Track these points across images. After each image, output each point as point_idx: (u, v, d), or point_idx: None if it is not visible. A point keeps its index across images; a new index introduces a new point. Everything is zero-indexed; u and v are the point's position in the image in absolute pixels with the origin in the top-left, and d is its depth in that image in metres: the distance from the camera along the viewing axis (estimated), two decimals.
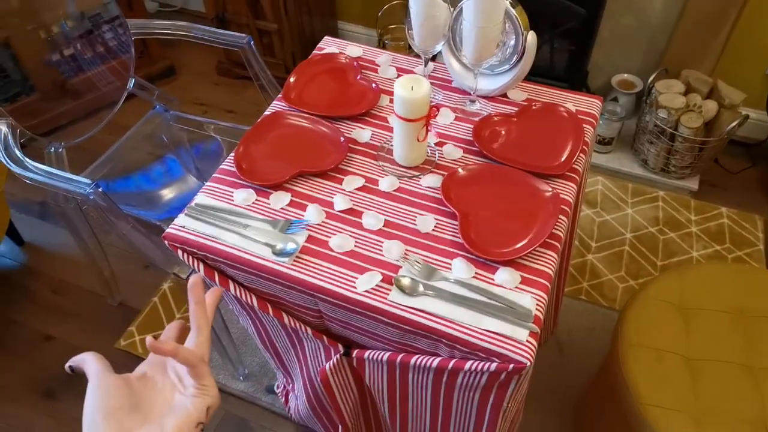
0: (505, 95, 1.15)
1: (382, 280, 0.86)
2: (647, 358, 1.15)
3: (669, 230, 1.97)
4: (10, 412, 1.64)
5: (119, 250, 1.95)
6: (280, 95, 1.15)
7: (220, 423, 1.59)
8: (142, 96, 1.64)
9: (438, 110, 1.12)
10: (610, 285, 1.83)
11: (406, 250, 0.90)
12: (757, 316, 1.20)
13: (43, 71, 1.49)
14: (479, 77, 1.10)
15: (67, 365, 0.57)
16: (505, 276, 0.86)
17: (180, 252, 0.96)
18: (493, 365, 0.79)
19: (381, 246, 0.91)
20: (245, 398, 1.63)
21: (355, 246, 0.91)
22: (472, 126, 1.08)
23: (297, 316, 0.99)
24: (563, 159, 1.01)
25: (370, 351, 0.95)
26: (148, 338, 0.52)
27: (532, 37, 1.04)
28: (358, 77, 1.18)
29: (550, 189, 0.95)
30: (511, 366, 0.78)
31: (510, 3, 1.01)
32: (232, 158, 1.03)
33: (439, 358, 0.85)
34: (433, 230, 0.93)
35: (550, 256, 0.89)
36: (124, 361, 1.70)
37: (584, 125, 1.06)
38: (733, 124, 1.85)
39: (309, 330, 0.99)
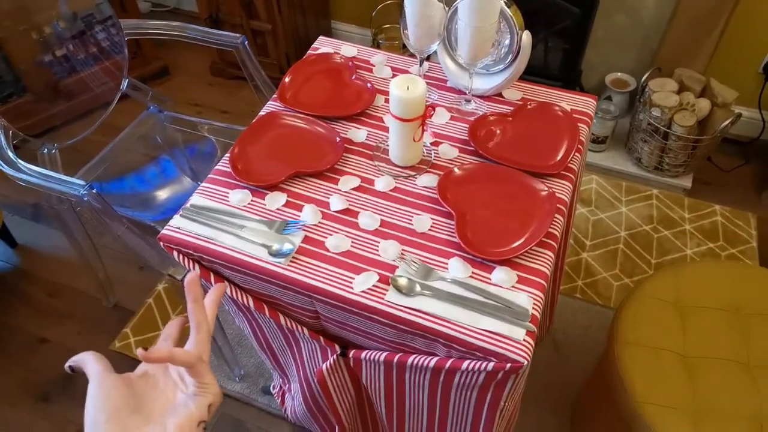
0: (500, 95, 1.15)
1: (378, 281, 0.86)
2: (643, 356, 1.15)
3: (663, 228, 1.98)
4: (5, 416, 1.63)
5: (114, 252, 1.94)
6: (274, 95, 1.15)
7: (216, 424, 1.59)
8: (135, 97, 1.63)
9: (434, 110, 1.12)
10: (605, 283, 1.84)
11: (403, 250, 0.90)
12: (752, 313, 1.21)
13: (36, 72, 1.48)
14: (474, 77, 1.10)
15: (66, 365, 0.56)
16: (502, 275, 0.86)
17: (175, 253, 0.95)
18: (491, 364, 0.79)
19: (377, 246, 0.91)
20: (241, 399, 1.63)
21: (352, 246, 0.91)
22: (467, 125, 1.08)
23: (293, 317, 0.99)
24: (559, 158, 1.01)
25: (366, 351, 0.94)
26: (139, 350, 0.51)
27: (527, 36, 1.04)
28: (354, 77, 1.18)
29: (546, 188, 0.96)
30: (509, 365, 0.78)
31: (505, 2, 1.01)
32: (228, 159, 1.03)
33: (436, 358, 0.85)
34: (430, 230, 0.93)
35: (547, 255, 0.89)
36: (119, 363, 1.69)
37: (579, 124, 1.07)
38: (726, 122, 1.86)
39: (305, 330, 0.99)
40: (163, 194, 1.58)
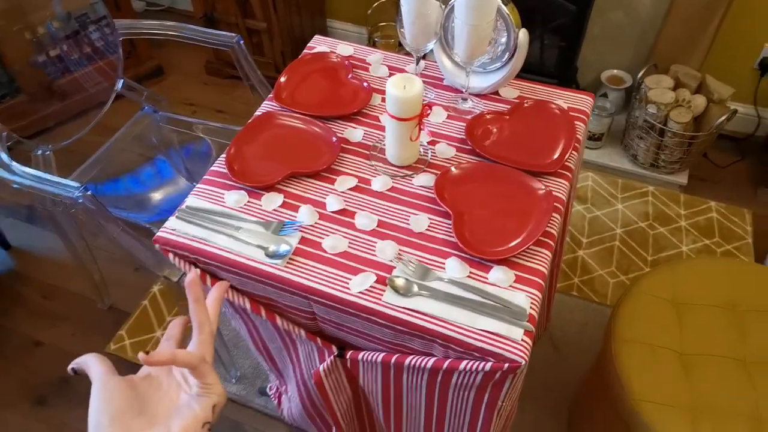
0: (497, 93, 1.14)
1: (376, 281, 0.85)
2: (640, 354, 1.15)
3: (659, 225, 1.98)
4: (1, 420, 1.62)
5: (108, 254, 1.93)
6: (270, 95, 1.14)
7: (213, 425, 1.58)
8: (130, 97, 1.62)
9: (430, 109, 1.11)
10: (602, 280, 1.84)
11: (400, 250, 0.90)
12: (749, 310, 1.21)
13: (29, 72, 1.47)
14: (471, 75, 1.10)
15: (69, 367, 0.56)
16: (499, 275, 0.86)
17: (171, 255, 0.95)
18: (488, 365, 0.78)
19: (374, 246, 0.90)
20: (238, 401, 1.62)
21: (349, 247, 0.90)
22: (464, 124, 1.07)
23: (290, 318, 0.98)
24: (556, 156, 1.01)
25: (364, 352, 0.94)
26: (141, 354, 0.51)
27: (523, 34, 1.04)
28: (350, 76, 1.17)
29: (543, 187, 0.95)
30: (506, 365, 0.77)
31: (501, 0, 1.01)
32: (223, 159, 1.02)
33: (433, 359, 0.85)
34: (427, 230, 0.93)
35: (544, 254, 0.89)
36: (114, 365, 1.68)
37: (576, 122, 1.07)
38: (722, 118, 1.86)
39: (302, 332, 0.98)
40: (158, 195, 1.57)
